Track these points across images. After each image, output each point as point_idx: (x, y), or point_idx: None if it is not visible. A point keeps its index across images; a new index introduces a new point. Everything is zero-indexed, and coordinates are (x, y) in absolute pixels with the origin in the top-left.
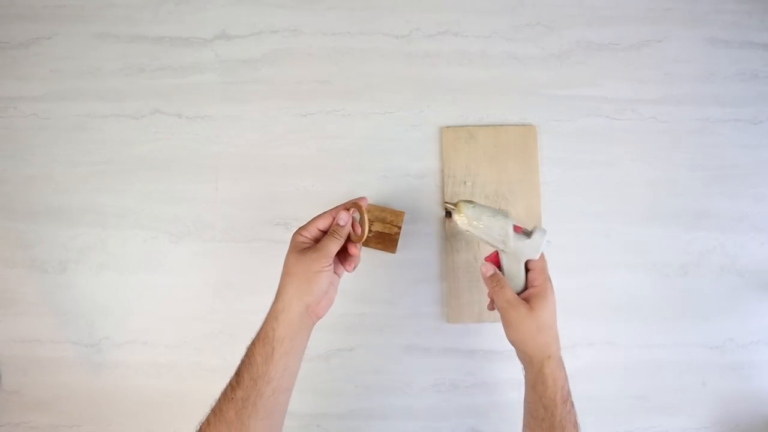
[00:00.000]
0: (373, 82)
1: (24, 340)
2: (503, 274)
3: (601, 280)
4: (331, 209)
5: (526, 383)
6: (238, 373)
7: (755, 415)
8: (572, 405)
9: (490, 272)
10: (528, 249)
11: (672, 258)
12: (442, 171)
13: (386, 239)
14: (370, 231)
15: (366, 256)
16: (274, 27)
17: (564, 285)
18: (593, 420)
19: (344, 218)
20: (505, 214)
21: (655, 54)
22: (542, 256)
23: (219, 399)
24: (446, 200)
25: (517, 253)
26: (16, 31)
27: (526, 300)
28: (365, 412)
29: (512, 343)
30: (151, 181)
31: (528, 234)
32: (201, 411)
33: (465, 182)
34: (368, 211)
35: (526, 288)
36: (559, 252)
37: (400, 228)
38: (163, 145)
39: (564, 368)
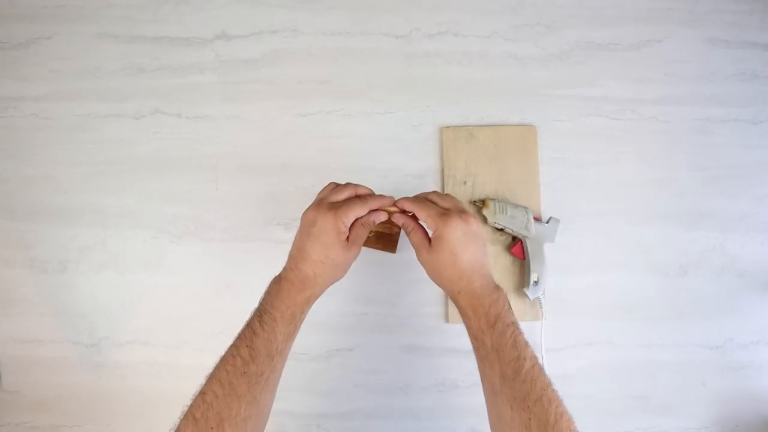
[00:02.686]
0: (373, 82)
1: (24, 340)
2: (528, 259)
3: (601, 280)
4: (365, 195)
5: None
6: (252, 347)
7: (755, 415)
8: (510, 325)
9: (401, 221)
10: (547, 233)
11: (672, 258)
12: (442, 171)
13: (386, 239)
14: (371, 232)
15: (366, 256)
16: (274, 27)
17: (564, 285)
18: (593, 420)
19: (382, 218)
20: (524, 206)
21: (655, 54)
22: (429, 204)
23: (228, 372)
24: (473, 199)
25: (538, 237)
26: (16, 31)
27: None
28: (365, 412)
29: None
30: (151, 181)
31: (545, 221)
32: None
33: (465, 182)
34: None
35: (543, 266)
36: (559, 252)
37: (400, 228)
38: (163, 145)
39: (492, 292)
